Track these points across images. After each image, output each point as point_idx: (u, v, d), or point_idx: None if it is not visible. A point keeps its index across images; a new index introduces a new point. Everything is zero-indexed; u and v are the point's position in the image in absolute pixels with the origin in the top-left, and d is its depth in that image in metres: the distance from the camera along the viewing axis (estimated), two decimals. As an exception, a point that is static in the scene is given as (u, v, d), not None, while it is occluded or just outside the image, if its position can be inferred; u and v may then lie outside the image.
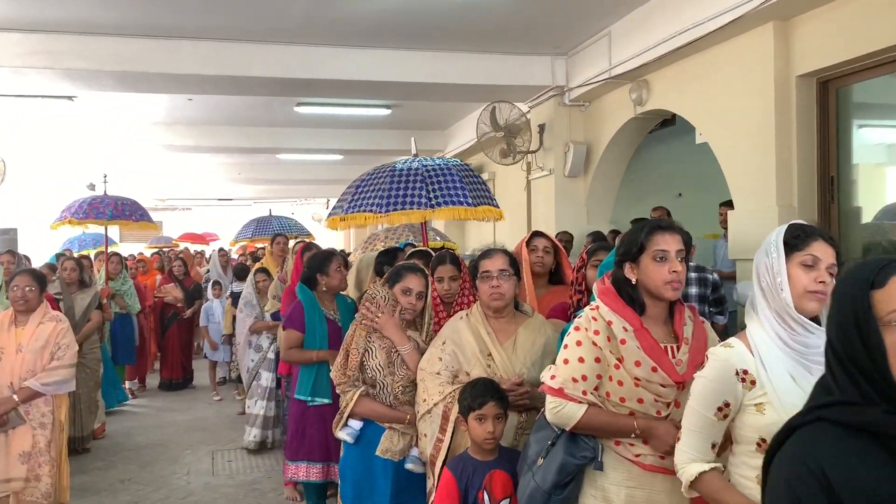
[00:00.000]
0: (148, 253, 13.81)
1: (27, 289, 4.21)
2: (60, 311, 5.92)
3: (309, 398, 4.19)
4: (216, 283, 8.75)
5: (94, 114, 10.33)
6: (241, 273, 8.04)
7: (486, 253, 2.93)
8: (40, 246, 16.60)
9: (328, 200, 26.58)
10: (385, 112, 10.46)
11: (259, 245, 11.69)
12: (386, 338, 3.04)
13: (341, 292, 4.46)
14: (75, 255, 8.68)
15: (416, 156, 4.58)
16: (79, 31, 6.72)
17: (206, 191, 20.94)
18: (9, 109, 9.91)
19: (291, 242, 7.36)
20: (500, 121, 8.02)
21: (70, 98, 9.27)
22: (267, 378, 6.22)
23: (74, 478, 5.37)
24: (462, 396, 2.65)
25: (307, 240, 7.79)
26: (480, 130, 8.20)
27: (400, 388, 2.99)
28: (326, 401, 4.17)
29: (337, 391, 3.16)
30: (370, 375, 3.05)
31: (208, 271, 12.66)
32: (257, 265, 7.76)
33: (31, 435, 4.08)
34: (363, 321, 3.08)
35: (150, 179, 16.74)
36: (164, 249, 14.65)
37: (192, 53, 7.04)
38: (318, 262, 4.38)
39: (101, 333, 6.72)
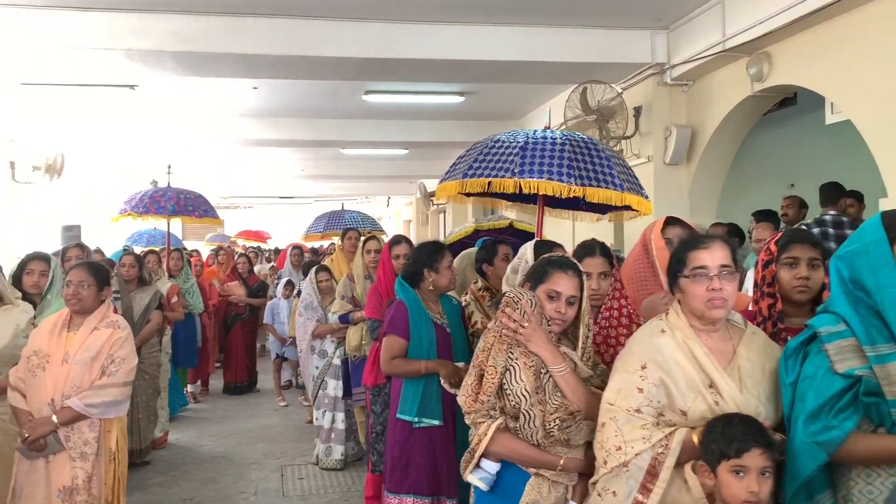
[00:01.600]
0: (206, 250, 13.43)
1: (82, 285, 3.50)
2: (117, 312, 5.48)
3: (415, 419, 3.52)
4: (289, 281, 8.19)
5: (155, 104, 9.91)
6: (308, 268, 7.46)
7: (700, 241, 2.17)
8: (105, 242, 16.49)
9: (389, 199, 26.14)
10: (458, 100, 9.77)
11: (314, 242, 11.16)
12: (533, 354, 2.30)
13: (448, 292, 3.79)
14: (138, 250, 8.17)
15: (547, 128, 3.84)
16: (140, 7, 6.21)
17: (267, 188, 20.61)
18: (69, 101, 9.57)
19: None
20: (592, 103, 7.24)
21: (132, 87, 8.87)
22: (334, 387, 5.59)
23: (132, 495, 4.85)
24: (709, 437, 1.93)
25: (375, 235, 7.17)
26: (569, 114, 7.44)
27: (555, 421, 2.24)
28: (436, 422, 3.50)
29: (466, 421, 2.42)
30: (512, 404, 2.29)
31: (271, 268, 12.27)
32: (319, 263, 7.24)
33: (71, 467, 3.41)
34: (503, 332, 2.33)
35: (213, 176, 16.40)
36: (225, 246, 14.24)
37: (258, 31, 6.47)
38: (425, 256, 3.70)
39: (161, 336, 6.17)
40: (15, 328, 3.72)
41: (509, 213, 7.89)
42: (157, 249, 7.91)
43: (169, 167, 8.35)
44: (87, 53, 6.56)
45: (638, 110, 7.44)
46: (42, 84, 8.64)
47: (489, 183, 3.51)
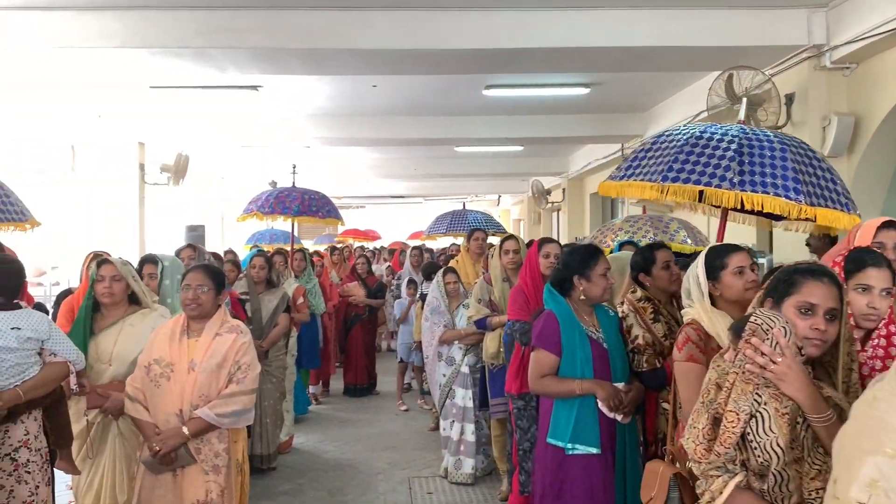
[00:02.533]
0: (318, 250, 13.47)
1: (201, 289, 3.34)
2: (245, 314, 5.37)
3: (568, 445, 3.15)
4: (411, 281, 8.00)
5: (277, 105, 9.96)
6: (430, 272, 7.22)
7: None
8: (227, 243, 16.97)
9: (499, 197, 25.82)
10: (582, 92, 9.29)
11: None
12: (788, 398, 1.84)
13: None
14: (265, 248, 8.14)
15: (742, 122, 3.35)
16: (264, 5, 6.12)
17: (379, 188, 20.69)
18: (193, 102, 9.74)
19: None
20: (739, 90, 6.61)
21: (255, 88, 8.91)
22: (462, 396, 5.29)
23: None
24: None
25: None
26: (711, 102, 6.84)
27: (815, 492, 1.77)
28: (593, 450, 3.12)
29: (695, 471, 1.98)
30: (760, 461, 1.84)
31: (387, 268, 12.17)
32: (438, 264, 6.97)
33: (204, 481, 3.25)
34: (749, 368, 1.85)
35: (328, 176, 16.56)
36: (340, 247, 14.28)
37: (383, 26, 6.25)
38: (577, 262, 3.32)
39: (287, 338, 6.05)
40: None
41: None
42: (285, 248, 7.84)
43: (294, 167, 8.34)
44: (212, 53, 6.54)
45: (790, 97, 6.76)
46: (169, 87, 8.82)
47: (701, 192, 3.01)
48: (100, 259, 3.79)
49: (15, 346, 3.06)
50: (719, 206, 3.11)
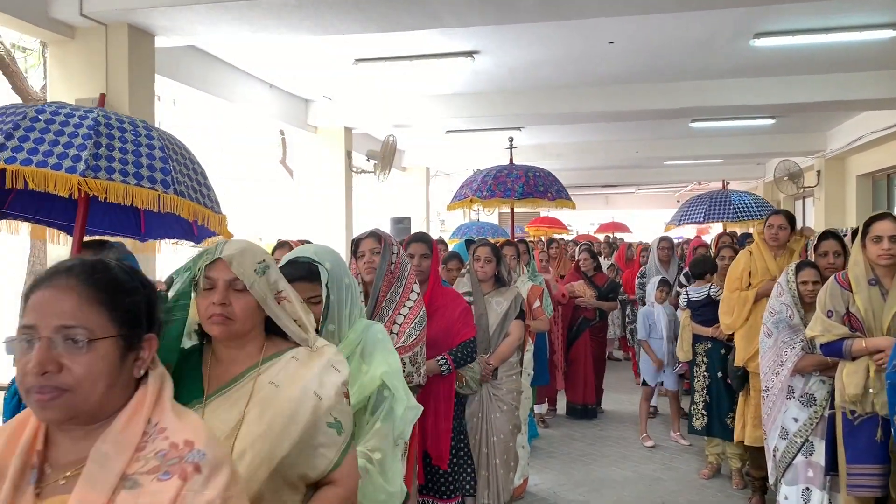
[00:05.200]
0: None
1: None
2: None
3: None
4: (664, 280, 6.31)
5: (495, 75, 8.70)
6: (701, 268, 5.53)
7: None
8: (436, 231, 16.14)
9: (725, 184, 23.06)
10: (889, 35, 7.08)
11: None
12: None
13: None
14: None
15: None
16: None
17: (594, 176, 18.99)
18: (401, 81, 8.74)
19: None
20: None
21: (471, 55, 7.68)
22: (822, 452, 3.56)
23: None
24: None
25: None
26: None
27: None
28: None
29: None
30: None
31: (609, 267, 10.50)
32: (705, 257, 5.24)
33: None
34: None
35: (537, 154, 15.11)
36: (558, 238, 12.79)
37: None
38: None
39: (521, 352, 4.67)
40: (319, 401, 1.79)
41: None
42: (514, 239, 6.47)
43: (511, 140, 6.97)
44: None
45: None
46: (376, 59, 7.85)
47: None
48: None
49: None
50: None
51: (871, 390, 3.22)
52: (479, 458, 4.12)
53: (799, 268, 3.80)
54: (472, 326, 3.69)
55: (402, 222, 13.52)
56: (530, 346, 5.13)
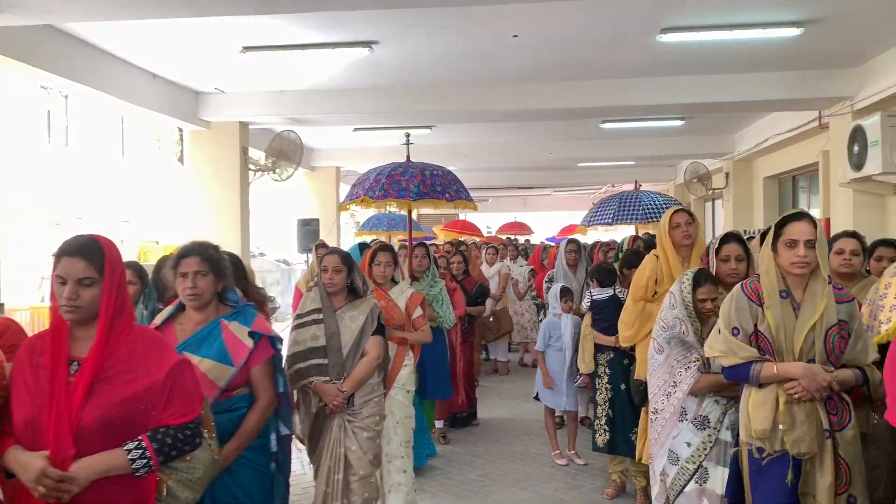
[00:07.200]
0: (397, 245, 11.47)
1: None
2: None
3: None
4: (565, 289, 5.90)
5: (393, 68, 8.22)
6: (606, 274, 5.18)
7: None
8: (344, 239, 15.44)
9: (638, 186, 23.28)
10: (792, 34, 6.97)
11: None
12: None
13: None
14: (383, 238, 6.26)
15: None
16: None
17: (507, 178, 18.75)
18: (299, 71, 8.16)
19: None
20: None
21: (369, 45, 7.18)
22: (723, 479, 3.16)
23: None
24: None
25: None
26: None
27: None
28: None
29: None
30: None
31: (531, 272, 10.16)
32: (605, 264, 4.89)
33: None
34: None
35: (449, 155, 14.69)
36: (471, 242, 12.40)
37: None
38: None
39: (383, 373, 3.93)
40: None
41: None
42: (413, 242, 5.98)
43: (408, 136, 6.49)
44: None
45: None
46: (264, 47, 7.25)
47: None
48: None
49: None
50: None
51: (780, 426, 2.76)
52: (335, 494, 3.62)
53: (696, 283, 3.38)
54: (194, 401, 2.31)
55: (309, 224, 12.89)
56: (408, 362, 4.61)
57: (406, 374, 4.58)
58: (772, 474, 2.79)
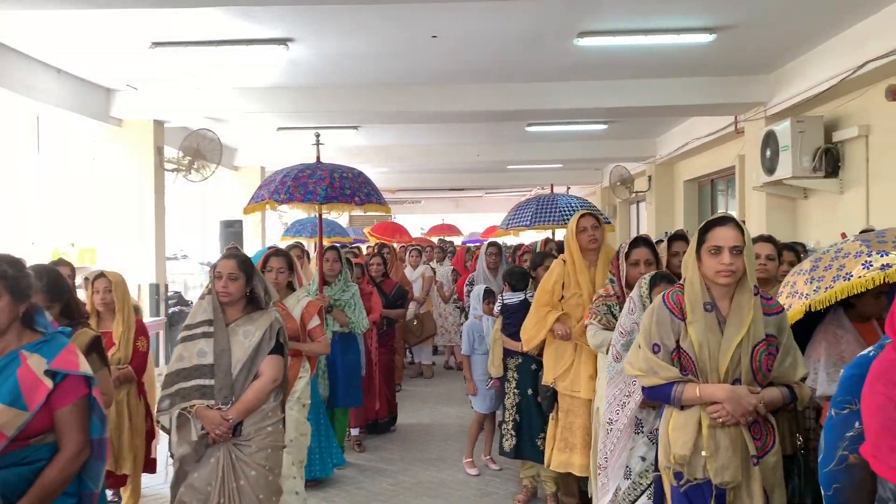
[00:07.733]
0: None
1: None
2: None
3: None
4: (489, 290, 5.78)
5: (310, 70, 8.05)
6: (518, 278, 5.13)
7: None
8: (270, 241, 15.06)
9: (567, 189, 23.54)
10: (706, 40, 7.07)
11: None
12: None
13: None
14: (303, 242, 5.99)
15: None
16: None
17: (438, 180, 18.66)
18: (209, 65, 7.89)
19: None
20: None
21: (284, 43, 6.99)
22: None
23: None
24: None
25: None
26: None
27: None
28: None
29: None
30: None
31: (453, 272, 10.11)
32: (519, 268, 4.84)
33: None
34: None
35: (379, 164, 14.59)
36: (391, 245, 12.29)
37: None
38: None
39: (282, 393, 3.41)
40: None
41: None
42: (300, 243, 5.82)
43: (318, 136, 6.31)
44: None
45: None
46: (174, 43, 6.98)
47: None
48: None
49: None
50: None
51: (703, 452, 2.58)
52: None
53: (654, 282, 3.24)
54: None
55: (232, 226, 12.55)
56: (303, 374, 4.38)
57: (301, 387, 4.34)
58: (692, 503, 2.63)
